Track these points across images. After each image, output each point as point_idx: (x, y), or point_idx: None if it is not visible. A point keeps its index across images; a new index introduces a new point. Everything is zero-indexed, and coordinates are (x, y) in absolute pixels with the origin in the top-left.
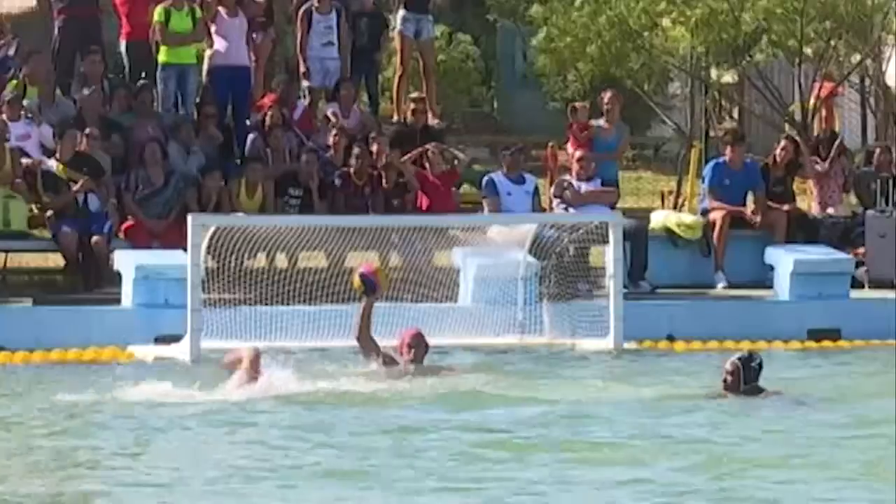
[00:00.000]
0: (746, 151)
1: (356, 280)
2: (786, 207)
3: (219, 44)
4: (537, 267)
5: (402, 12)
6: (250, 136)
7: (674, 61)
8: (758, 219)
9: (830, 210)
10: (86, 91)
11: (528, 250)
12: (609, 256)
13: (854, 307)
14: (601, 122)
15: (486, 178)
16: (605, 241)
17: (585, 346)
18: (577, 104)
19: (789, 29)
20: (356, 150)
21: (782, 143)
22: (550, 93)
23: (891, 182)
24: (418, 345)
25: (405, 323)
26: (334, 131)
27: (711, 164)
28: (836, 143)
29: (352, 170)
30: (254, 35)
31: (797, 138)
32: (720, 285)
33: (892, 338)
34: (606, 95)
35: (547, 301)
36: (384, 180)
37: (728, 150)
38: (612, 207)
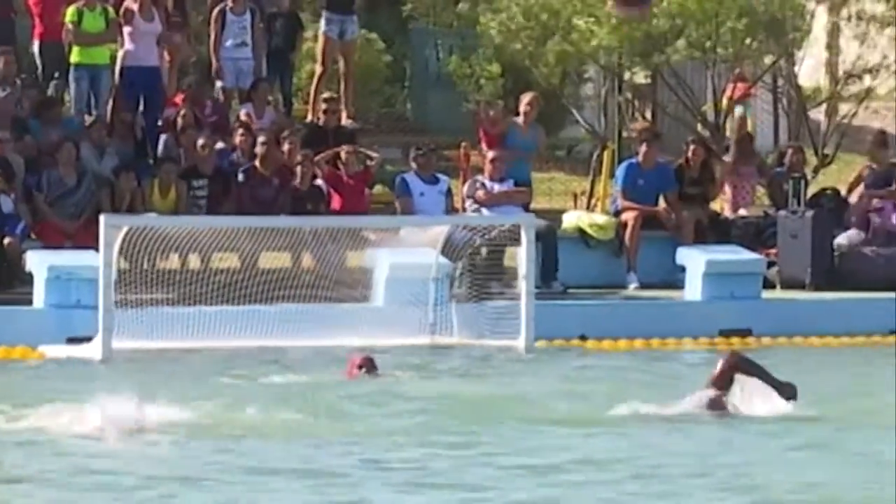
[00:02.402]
0: (660, 151)
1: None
2: (688, 216)
3: (129, 44)
4: (449, 268)
5: (325, 14)
6: (163, 137)
7: (592, 60)
8: (672, 216)
9: (743, 211)
10: (0, 93)
11: (441, 251)
12: (521, 257)
13: (765, 307)
14: (518, 119)
15: (398, 179)
16: (518, 242)
17: (496, 347)
18: (489, 101)
19: (705, 30)
20: (261, 139)
21: (692, 146)
22: (464, 94)
23: (802, 182)
24: (369, 366)
25: (317, 324)
26: (241, 131)
27: (624, 164)
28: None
29: (256, 161)
30: (168, 36)
31: (707, 140)
32: (632, 286)
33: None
34: (526, 98)
35: (459, 302)
36: (299, 180)
37: (643, 148)
38: (526, 208)
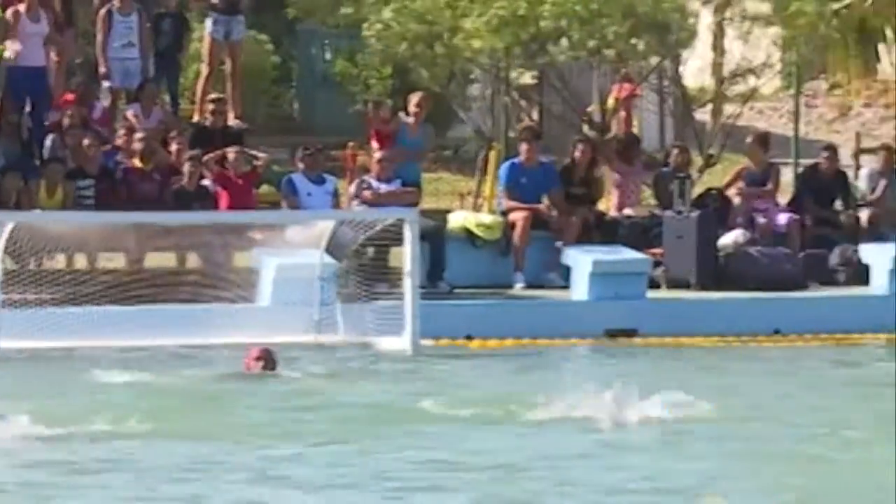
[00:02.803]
0: (545, 151)
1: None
2: (574, 218)
3: (16, 45)
4: (335, 267)
5: (211, 14)
6: (49, 137)
7: (477, 62)
8: (554, 214)
9: (628, 211)
10: None
11: (326, 250)
12: (406, 254)
13: (651, 307)
14: (408, 119)
15: (285, 179)
16: (403, 242)
17: (382, 345)
18: (378, 100)
19: (589, 31)
20: (138, 135)
21: (579, 145)
22: (351, 95)
23: (688, 183)
24: (267, 359)
25: (203, 323)
26: (122, 131)
27: (507, 164)
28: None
29: (136, 159)
30: (55, 36)
31: (593, 140)
32: (519, 285)
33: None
34: (415, 98)
35: (345, 301)
36: (187, 180)
37: (524, 147)
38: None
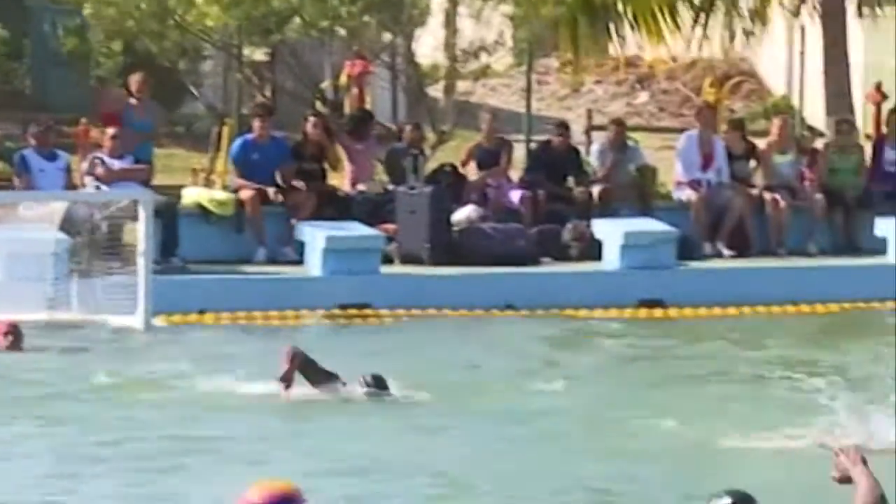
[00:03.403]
0: (278, 129)
1: None
2: (307, 194)
3: None
4: (68, 243)
5: None
6: None
7: (208, 39)
8: (280, 198)
9: (362, 186)
10: None
11: (60, 227)
12: (139, 233)
13: (384, 282)
14: (132, 101)
15: (17, 155)
16: (137, 219)
17: (115, 323)
18: (106, 78)
19: (321, 9)
20: None
21: (311, 120)
22: (84, 71)
23: (420, 159)
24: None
25: None
26: None
27: (239, 140)
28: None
29: None
30: None
31: (325, 116)
32: (255, 260)
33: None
34: (135, 81)
35: (78, 277)
36: None
37: (256, 124)
38: (146, 184)
